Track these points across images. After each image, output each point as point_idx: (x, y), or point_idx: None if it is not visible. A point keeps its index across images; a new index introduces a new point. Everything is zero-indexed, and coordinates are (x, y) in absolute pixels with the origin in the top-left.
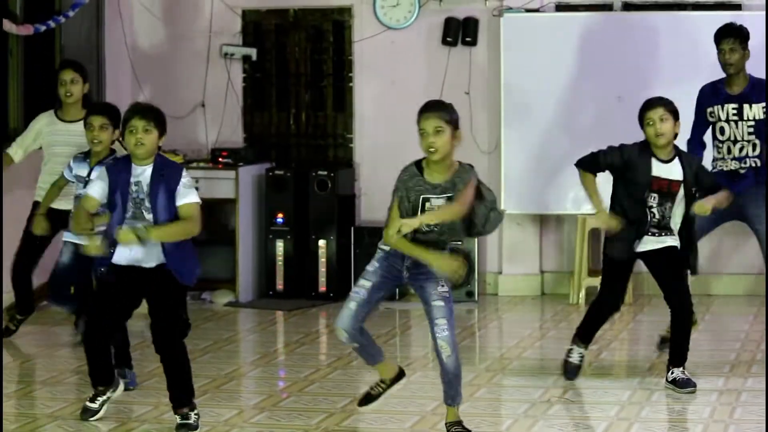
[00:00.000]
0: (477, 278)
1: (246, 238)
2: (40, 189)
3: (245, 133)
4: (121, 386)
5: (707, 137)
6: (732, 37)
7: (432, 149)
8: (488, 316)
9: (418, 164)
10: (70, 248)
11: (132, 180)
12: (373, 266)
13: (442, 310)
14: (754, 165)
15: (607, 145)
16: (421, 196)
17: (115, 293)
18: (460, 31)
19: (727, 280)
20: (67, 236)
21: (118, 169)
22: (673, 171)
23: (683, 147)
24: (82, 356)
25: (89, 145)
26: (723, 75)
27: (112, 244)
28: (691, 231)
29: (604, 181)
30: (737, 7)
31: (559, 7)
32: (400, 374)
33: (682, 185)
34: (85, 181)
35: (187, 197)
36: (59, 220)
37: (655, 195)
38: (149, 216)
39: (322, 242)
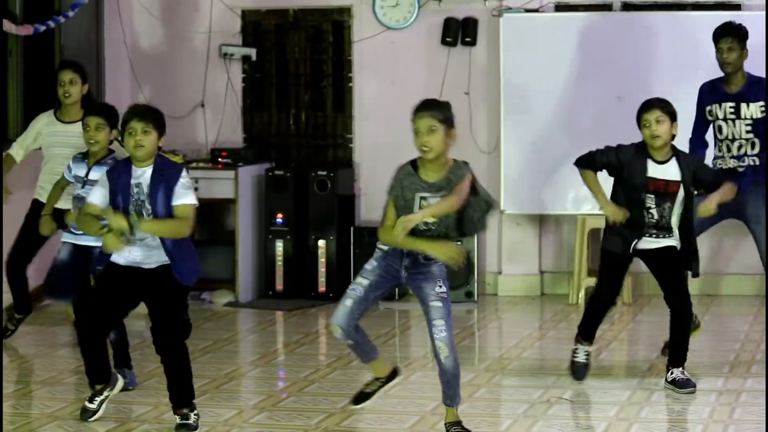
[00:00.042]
0: (476, 278)
1: (246, 239)
2: (40, 188)
3: (245, 133)
4: (120, 383)
5: (710, 136)
6: (730, 36)
7: (425, 148)
8: (488, 317)
9: (413, 163)
10: (68, 247)
11: (132, 182)
12: (371, 265)
13: (440, 310)
14: (752, 164)
15: (606, 145)
16: (417, 194)
17: (112, 292)
18: (459, 31)
19: (726, 281)
20: (66, 237)
21: (119, 173)
22: (669, 171)
23: (685, 146)
24: (81, 356)
25: (86, 146)
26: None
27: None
28: (690, 232)
29: (605, 181)
30: (737, 7)
31: (559, 7)
32: (394, 373)
33: (681, 186)
34: (83, 181)
35: (184, 198)
36: (58, 219)
37: (652, 196)
38: (149, 217)
39: (321, 242)
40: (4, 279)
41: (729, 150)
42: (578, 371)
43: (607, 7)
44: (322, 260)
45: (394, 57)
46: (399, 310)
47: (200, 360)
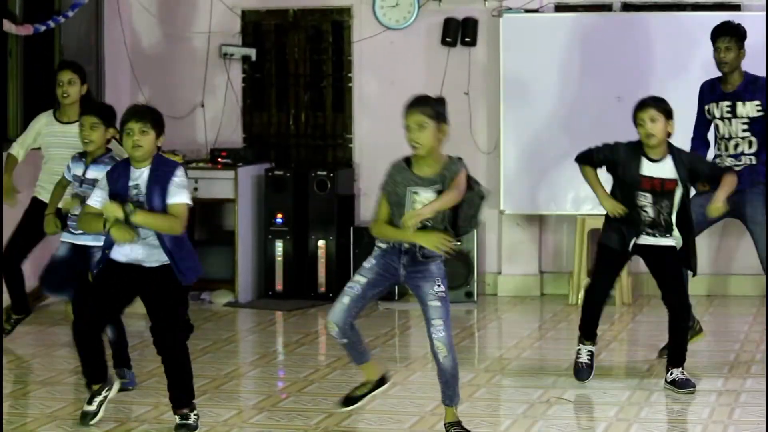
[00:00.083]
0: (476, 279)
1: (245, 239)
2: (40, 187)
3: (244, 134)
4: (117, 384)
5: (711, 135)
6: (728, 35)
7: (415, 144)
8: (487, 317)
9: (407, 159)
10: (67, 246)
11: (131, 184)
12: (369, 263)
13: (439, 310)
14: (749, 162)
15: (604, 142)
16: (408, 189)
17: (112, 290)
18: (459, 32)
19: (726, 281)
20: (65, 237)
21: (118, 175)
22: (665, 169)
23: (687, 146)
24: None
25: (82, 145)
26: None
27: (108, 242)
28: (689, 229)
29: (606, 181)
30: (736, 7)
31: (559, 8)
32: (383, 380)
33: (678, 183)
34: (81, 180)
35: (176, 196)
36: (61, 219)
37: (648, 194)
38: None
39: (321, 242)
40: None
41: (726, 149)
42: (580, 372)
43: (607, 8)
44: (321, 260)
45: (394, 57)
46: (399, 310)
47: (200, 360)
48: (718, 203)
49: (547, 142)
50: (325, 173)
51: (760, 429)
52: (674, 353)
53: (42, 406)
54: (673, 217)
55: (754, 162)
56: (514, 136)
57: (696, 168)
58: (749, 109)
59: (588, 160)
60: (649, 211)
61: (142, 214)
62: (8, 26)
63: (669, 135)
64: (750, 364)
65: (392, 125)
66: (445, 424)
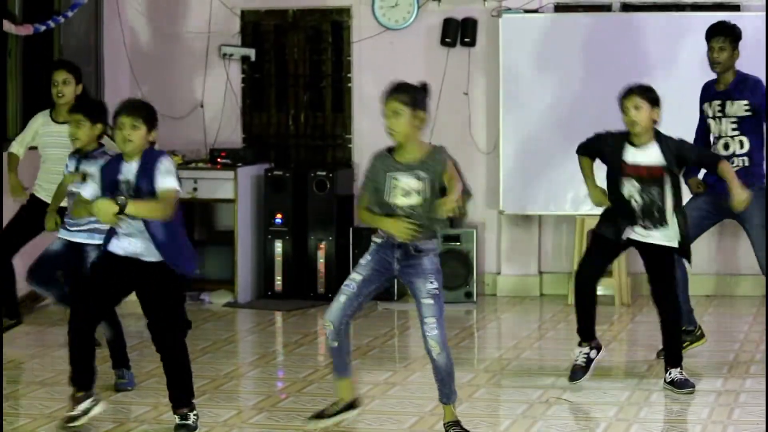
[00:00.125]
0: (475, 279)
1: (245, 239)
2: (38, 186)
3: (244, 134)
4: (102, 406)
5: None
6: (723, 35)
7: (391, 131)
8: (487, 317)
9: (390, 148)
10: (62, 241)
11: (121, 178)
12: (365, 259)
13: (431, 308)
14: (742, 164)
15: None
16: (388, 174)
17: (106, 284)
18: (458, 32)
19: (726, 281)
20: (61, 233)
21: (111, 170)
22: (650, 156)
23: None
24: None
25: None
26: None
27: (107, 236)
28: (682, 218)
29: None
30: (736, 7)
31: (558, 8)
32: (354, 403)
33: (665, 170)
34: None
35: (163, 182)
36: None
37: (635, 182)
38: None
39: (320, 243)
40: None
41: (718, 149)
42: (573, 373)
43: (607, 8)
44: (321, 261)
45: (394, 57)
46: (398, 310)
47: (199, 360)
48: (740, 196)
49: (547, 143)
50: (324, 173)
51: (760, 429)
52: (670, 353)
53: (41, 406)
54: (668, 206)
55: (747, 163)
56: (514, 136)
57: (683, 154)
58: (737, 108)
59: (583, 150)
60: (638, 199)
61: (134, 204)
62: (8, 26)
63: (655, 122)
64: (749, 365)
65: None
66: (444, 424)
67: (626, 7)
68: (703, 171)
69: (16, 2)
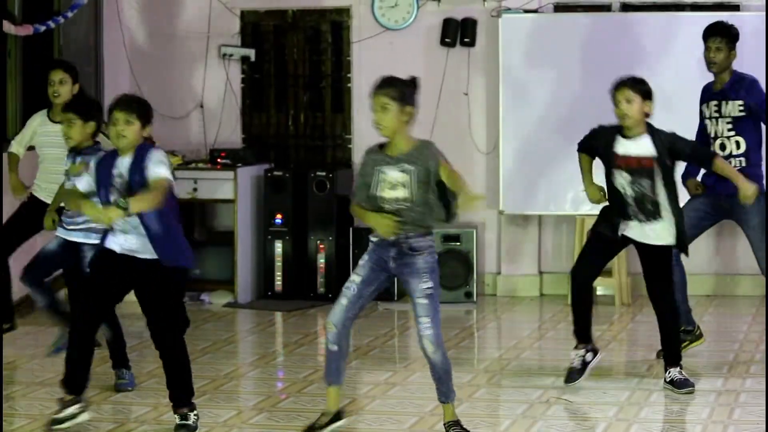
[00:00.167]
0: (475, 279)
1: (245, 239)
2: (37, 186)
3: (244, 134)
4: (87, 415)
5: None
6: (719, 36)
7: (378, 126)
8: (487, 317)
9: (382, 144)
10: (60, 240)
11: (115, 172)
12: (363, 260)
13: (425, 308)
14: (739, 165)
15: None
16: (376, 168)
17: (106, 284)
18: (458, 32)
19: (726, 281)
20: (59, 232)
21: (105, 164)
22: (641, 147)
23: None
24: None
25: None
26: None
27: (104, 232)
28: (677, 210)
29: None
30: (736, 7)
31: (558, 8)
32: (340, 414)
33: (656, 161)
34: (66, 171)
35: (155, 171)
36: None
37: (625, 173)
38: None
39: (320, 243)
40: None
41: (715, 149)
42: (569, 375)
43: (606, 8)
44: (321, 261)
45: (393, 58)
46: (398, 310)
47: (199, 360)
48: (747, 190)
49: (546, 143)
50: (324, 174)
51: (760, 429)
52: (669, 352)
53: (41, 407)
54: (661, 198)
55: (744, 164)
56: (513, 137)
57: (676, 147)
58: (732, 108)
59: (581, 147)
60: (629, 191)
61: (134, 202)
62: (8, 27)
63: (647, 115)
64: (749, 364)
65: None
66: (444, 424)
67: (626, 7)
68: (702, 172)
69: (16, 2)
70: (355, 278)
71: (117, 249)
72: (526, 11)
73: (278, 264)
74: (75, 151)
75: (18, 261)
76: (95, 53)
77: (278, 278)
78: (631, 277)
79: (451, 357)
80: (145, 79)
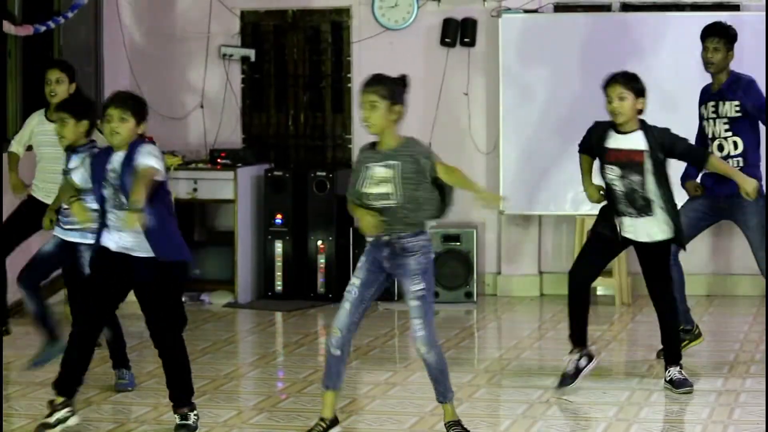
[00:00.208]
0: (475, 279)
1: (245, 239)
2: (36, 186)
3: (244, 134)
4: (75, 419)
5: None
6: (717, 36)
7: (366, 123)
8: (487, 317)
9: (374, 143)
10: (56, 240)
11: (108, 167)
12: (361, 262)
13: (417, 309)
14: (737, 166)
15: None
16: (364, 165)
17: (107, 286)
18: (458, 32)
19: (726, 281)
20: (56, 231)
21: (100, 160)
22: (632, 141)
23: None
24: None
25: None
26: None
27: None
28: (671, 206)
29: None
30: (736, 7)
31: (558, 8)
32: (336, 421)
33: (646, 155)
34: (64, 171)
35: (143, 161)
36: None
37: (615, 167)
38: (124, 200)
39: (320, 243)
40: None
41: (711, 151)
42: (562, 380)
43: (606, 8)
44: (321, 261)
45: (393, 58)
46: (398, 310)
47: (199, 361)
48: (749, 186)
49: (546, 143)
50: (324, 174)
51: (760, 429)
52: (669, 351)
53: (41, 407)
54: (651, 194)
55: (741, 164)
56: (514, 137)
57: (670, 142)
58: (728, 108)
59: (581, 147)
60: (619, 186)
61: (134, 193)
62: (8, 27)
63: (640, 112)
64: (749, 364)
65: None
66: (445, 424)
67: (626, 7)
68: (701, 174)
69: (16, 3)
70: (355, 281)
71: (112, 246)
72: (526, 11)
73: (278, 264)
74: (70, 150)
75: (12, 265)
76: (95, 53)
77: (278, 278)
78: (631, 277)
79: (451, 357)
80: (145, 79)
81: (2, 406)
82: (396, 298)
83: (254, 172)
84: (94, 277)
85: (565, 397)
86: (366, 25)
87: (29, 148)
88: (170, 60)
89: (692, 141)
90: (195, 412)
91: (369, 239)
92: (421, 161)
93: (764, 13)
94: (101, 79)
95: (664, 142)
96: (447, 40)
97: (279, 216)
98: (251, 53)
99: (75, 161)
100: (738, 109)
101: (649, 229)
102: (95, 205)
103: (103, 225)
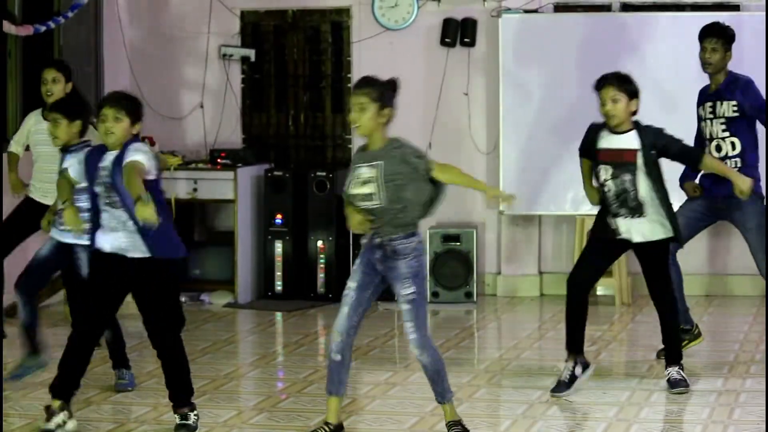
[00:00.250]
0: (475, 279)
1: (245, 239)
2: (33, 187)
3: (244, 134)
4: (73, 423)
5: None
6: (715, 36)
7: (353, 125)
8: (487, 317)
9: (365, 145)
10: (52, 243)
11: (101, 165)
12: (356, 264)
13: (408, 313)
14: (734, 166)
15: None
16: (354, 166)
17: (107, 289)
18: (458, 32)
19: (726, 281)
20: (53, 233)
21: (93, 158)
22: (624, 141)
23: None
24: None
25: None
26: None
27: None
28: (665, 203)
29: None
30: (736, 7)
31: (558, 8)
32: (341, 427)
33: (638, 154)
34: (59, 171)
35: (131, 156)
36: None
37: (608, 167)
38: (117, 198)
39: (320, 243)
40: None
41: (710, 150)
42: (556, 387)
43: (606, 8)
44: (321, 261)
45: (393, 58)
46: (398, 310)
47: (199, 361)
48: (743, 184)
49: (547, 143)
50: (324, 174)
51: (760, 429)
52: (669, 351)
53: (41, 407)
54: (643, 194)
55: (739, 165)
56: (514, 137)
57: (663, 142)
58: (726, 108)
59: (580, 151)
60: (611, 186)
61: (133, 189)
62: (8, 27)
63: (634, 113)
64: (749, 365)
65: (391, 126)
66: (446, 423)
67: (626, 7)
68: (700, 175)
69: (16, 3)
70: (351, 284)
71: (107, 248)
72: (526, 11)
73: (278, 264)
74: (64, 151)
75: (9, 265)
76: (95, 53)
77: (278, 278)
78: (631, 277)
79: (451, 357)
80: (145, 79)
81: (2, 406)
82: (396, 299)
83: (254, 172)
84: (92, 280)
85: (565, 398)
86: (366, 25)
87: (28, 148)
88: (170, 60)
89: (692, 141)
90: (195, 412)
91: (363, 241)
92: (412, 161)
93: (764, 13)
94: (101, 79)
95: (657, 142)
96: (447, 40)
97: (279, 216)
98: (251, 53)
99: (69, 161)
100: (735, 109)
101: (643, 229)
102: (88, 204)
103: (96, 227)
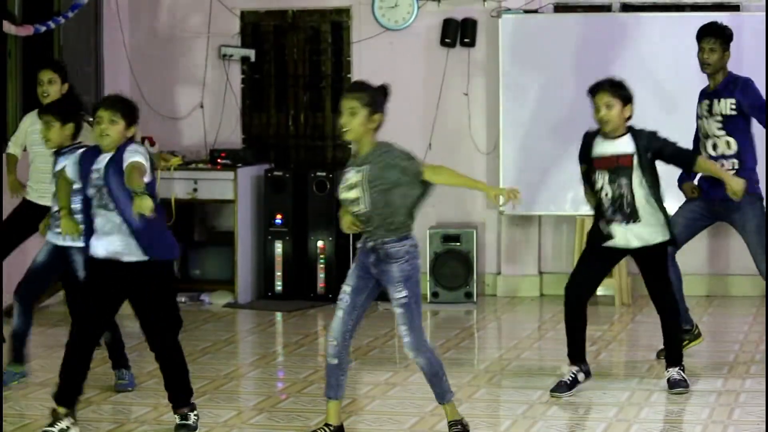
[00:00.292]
0: (475, 279)
1: (245, 239)
2: (30, 188)
3: (244, 134)
4: (76, 430)
5: None
6: (713, 36)
7: (344, 129)
8: (487, 317)
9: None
10: (49, 247)
11: (94, 167)
12: (351, 268)
13: (401, 317)
14: (732, 168)
15: None
16: (345, 171)
17: (106, 292)
18: (458, 32)
19: (725, 282)
20: (49, 236)
21: (89, 160)
22: (619, 146)
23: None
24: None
25: None
26: None
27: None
28: (660, 206)
29: None
30: (736, 8)
31: (558, 8)
32: (341, 429)
33: (634, 158)
34: (54, 174)
35: (130, 158)
36: (41, 217)
37: (605, 173)
38: (110, 201)
39: (320, 243)
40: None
41: (705, 148)
42: (557, 387)
43: (606, 8)
44: (321, 261)
45: (393, 58)
46: None
47: (199, 361)
48: (735, 186)
49: (546, 143)
50: (324, 174)
51: (760, 429)
52: (670, 353)
53: (41, 407)
54: (638, 198)
55: (738, 166)
56: (513, 137)
57: (657, 144)
58: (723, 106)
59: (579, 158)
60: (608, 191)
61: (133, 183)
62: (8, 27)
63: (628, 119)
64: (749, 365)
65: (391, 126)
66: (448, 423)
67: (626, 7)
68: (698, 176)
69: (16, 3)
70: (346, 288)
71: (102, 253)
72: (526, 11)
73: (278, 264)
74: (57, 153)
75: (7, 266)
76: (95, 53)
77: (278, 278)
78: (631, 277)
79: (451, 357)
80: (144, 79)
81: (2, 406)
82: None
83: (254, 172)
84: (89, 287)
85: (564, 398)
86: (366, 26)
87: (25, 148)
88: (170, 60)
89: (692, 142)
90: (195, 412)
91: (359, 244)
92: (402, 164)
93: (764, 13)
94: (101, 79)
95: (652, 145)
96: (447, 40)
97: (279, 216)
98: (251, 53)
99: (63, 162)
100: (734, 107)
101: (642, 233)
102: (82, 206)
103: (90, 232)
